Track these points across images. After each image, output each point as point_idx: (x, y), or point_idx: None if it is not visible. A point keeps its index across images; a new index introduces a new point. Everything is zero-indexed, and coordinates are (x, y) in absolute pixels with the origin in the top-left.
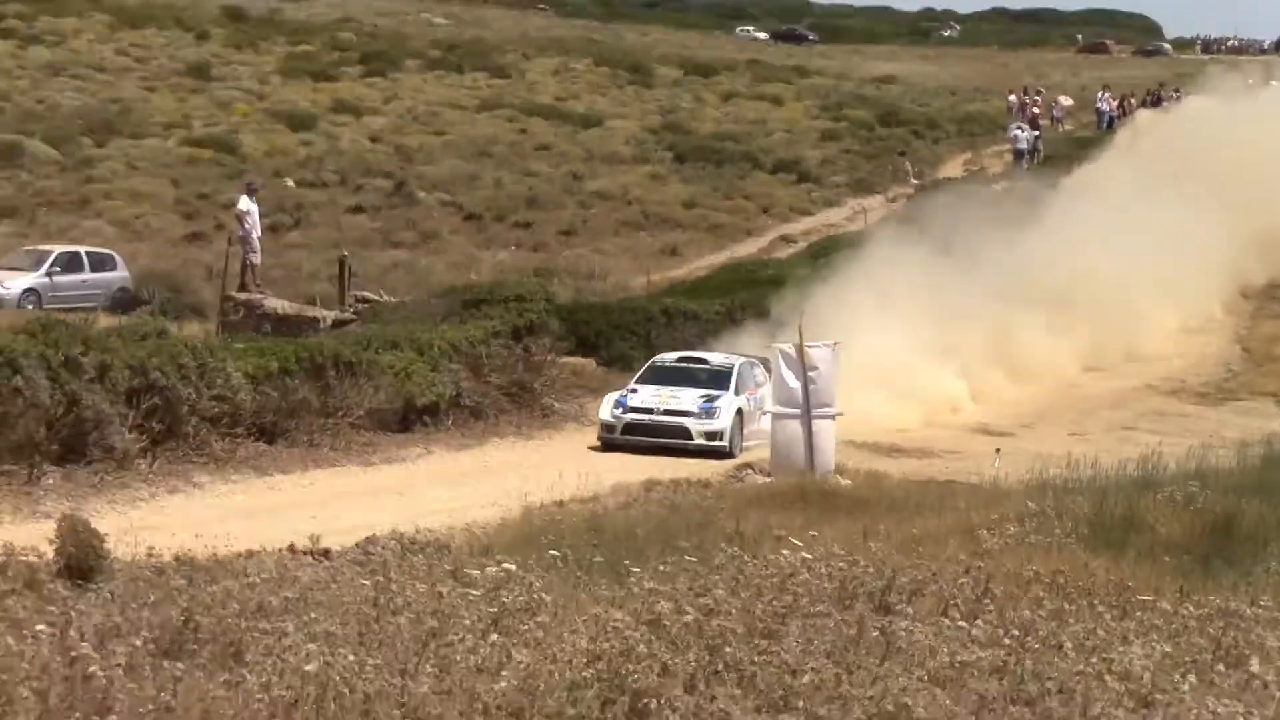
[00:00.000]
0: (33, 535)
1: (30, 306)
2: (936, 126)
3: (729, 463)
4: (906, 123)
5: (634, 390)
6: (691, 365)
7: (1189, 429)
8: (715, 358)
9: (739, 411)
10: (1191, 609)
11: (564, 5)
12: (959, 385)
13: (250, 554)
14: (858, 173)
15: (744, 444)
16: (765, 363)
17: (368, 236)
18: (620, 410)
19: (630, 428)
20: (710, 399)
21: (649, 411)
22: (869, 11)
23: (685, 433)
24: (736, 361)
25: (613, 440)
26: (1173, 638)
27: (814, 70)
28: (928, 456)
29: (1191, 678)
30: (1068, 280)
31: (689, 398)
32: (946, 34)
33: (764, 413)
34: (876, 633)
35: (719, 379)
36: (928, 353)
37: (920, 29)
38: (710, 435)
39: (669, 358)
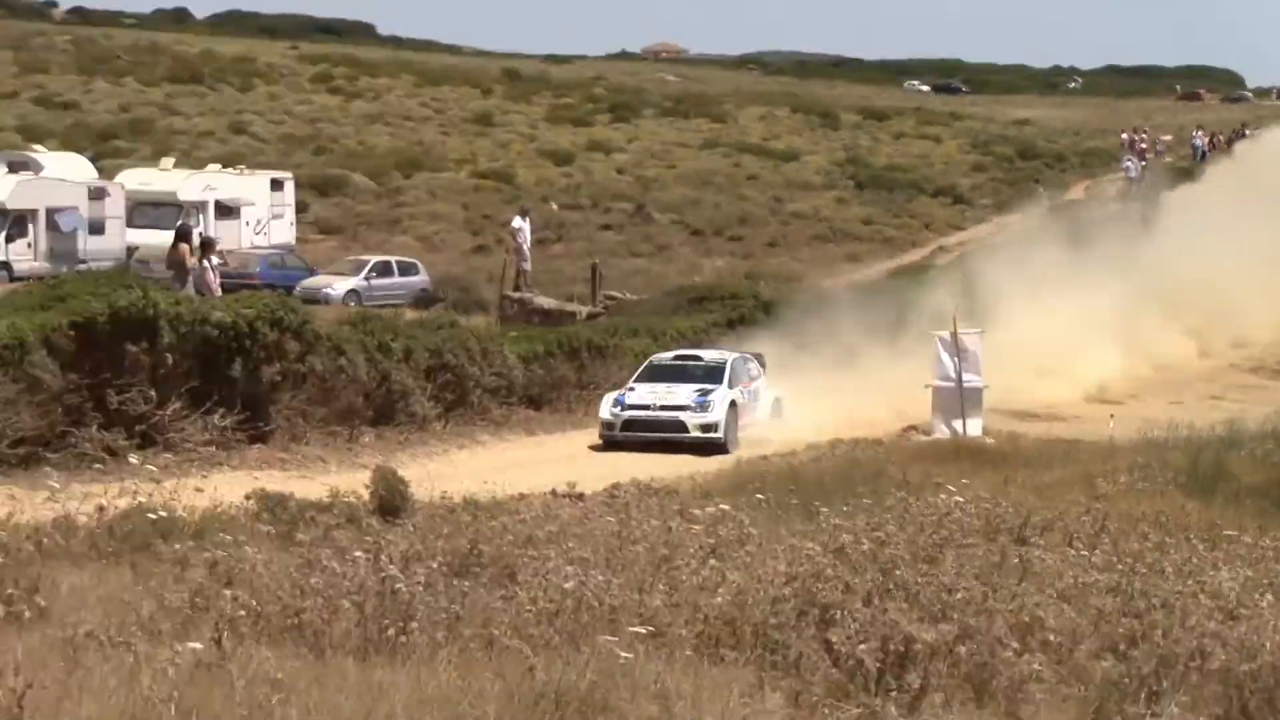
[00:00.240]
0: (353, 482)
1: (352, 304)
2: (1063, 159)
3: (898, 425)
4: (1040, 156)
5: (632, 389)
6: (687, 362)
7: (1267, 399)
8: (710, 354)
9: (732, 404)
10: (1269, 542)
11: (768, 65)
12: (1109, 368)
13: (522, 496)
14: (1000, 196)
15: (739, 434)
16: (759, 358)
17: (614, 248)
18: (619, 408)
19: (629, 424)
20: (704, 393)
21: (646, 408)
22: (1009, 68)
23: (681, 426)
24: (730, 357)
25: (613, 437)
26: (1253, 564)
27: (966, 115)
28: (1055, 421)
29: (1269, 596)
30: (1183, 278)
31: (684, 393)
32: (1072, 86)
33: (930, 385)
34: (1015, 560)
35: (713, 374)
36: (1075, 340)
37: (1050, 82)
38: (705, 428)
39: (665, 356)
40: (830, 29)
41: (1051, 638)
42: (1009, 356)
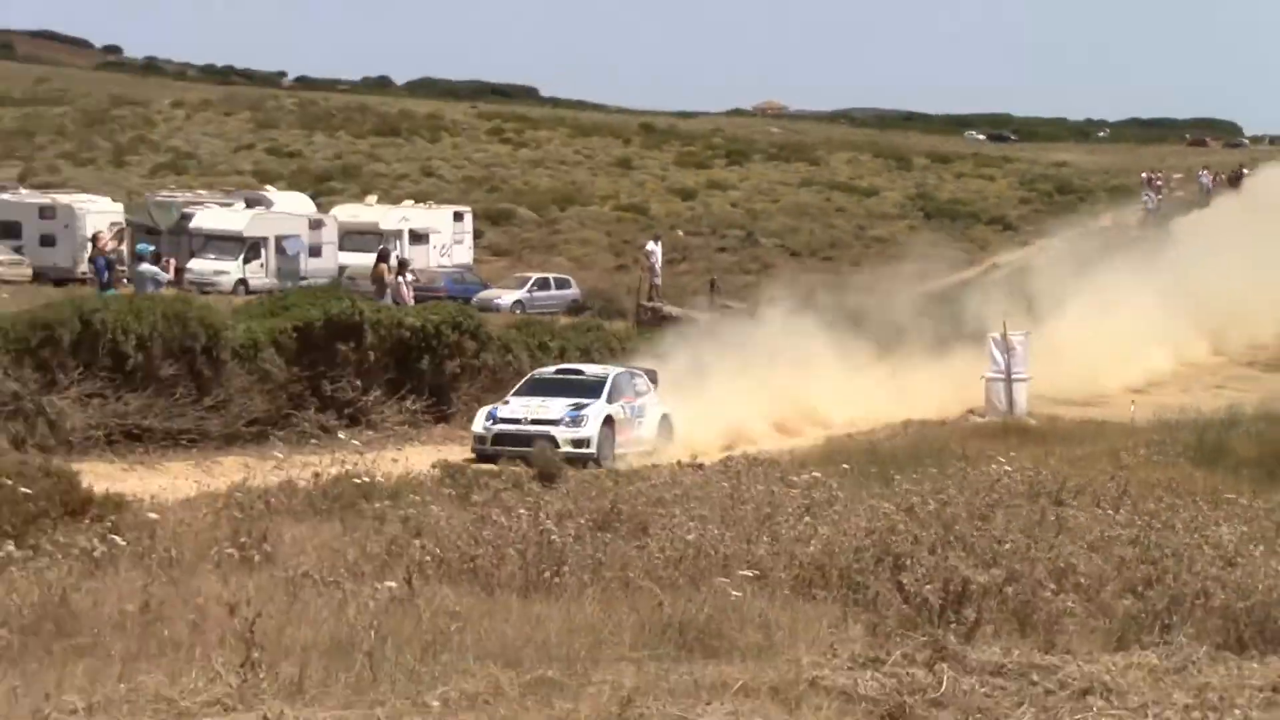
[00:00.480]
0: None
1: (517, 312)
2: (1094, 194)
3: (961, 408)
4: (1075, 192)
5: (506, 402)
6: (568, 376)
7: (1261, 389)
8: (591, 369)
9: (609, 419)
10: (1261, 504)
11: (855, 119)
12: (1143, 364)
13: (653, 466)
14: (1043, 224)
15: (617, 449)
16: (651, 374)
17: (728, 267)
18: (491, 422)
19: (500, 438)
20: (578, 407)
21: (517, 422)
22: (1051, 120)
23: (553, 441)
24: (612, 372)
25: (484, 451)
26: (1248, 522)
27: (1015, 159)
28: (1087, 406)
29: (1261, 547)
30: (1198, 287)
31: (557, 407)
32: (1101, 135)
33: (985, 376)
34: (1053, 517)
35: (593, 389)
36: (1112, 338)
37: (1084, 131)
38: (577, 443)
39: (547, 371)
40: (905, 90)
41: (1082, 580)
42: (1054, 353)
